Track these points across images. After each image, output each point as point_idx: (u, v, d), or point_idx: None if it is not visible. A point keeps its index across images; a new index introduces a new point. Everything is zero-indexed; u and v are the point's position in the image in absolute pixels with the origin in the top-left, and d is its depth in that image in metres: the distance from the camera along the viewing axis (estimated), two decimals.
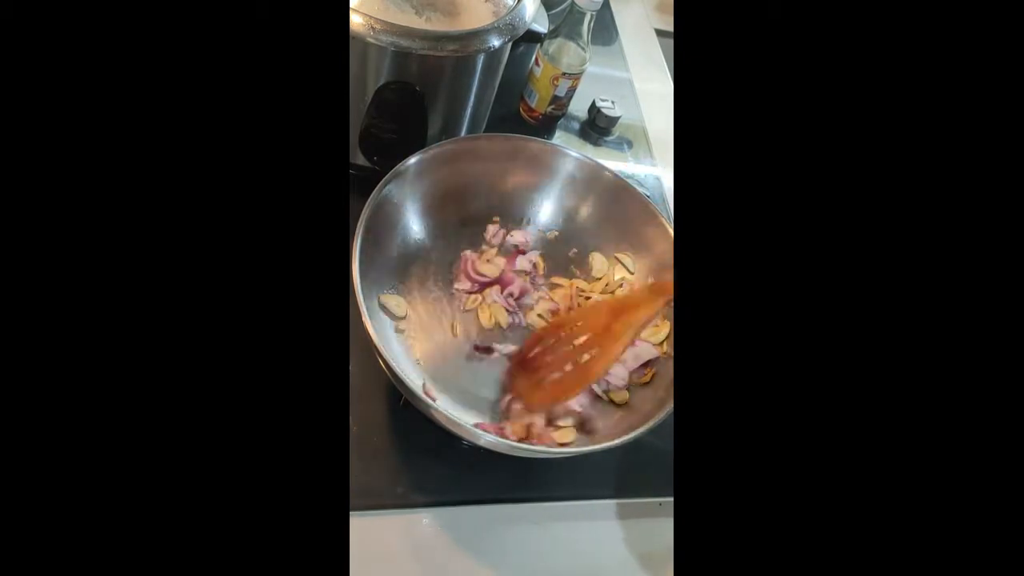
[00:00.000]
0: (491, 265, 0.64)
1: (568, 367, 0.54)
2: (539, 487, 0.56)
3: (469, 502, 0.54)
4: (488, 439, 0.47)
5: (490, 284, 0.63)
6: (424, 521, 0.52)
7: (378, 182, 0.55)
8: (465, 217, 0.65)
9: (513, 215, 0.67)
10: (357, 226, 0.51)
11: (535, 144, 0.64)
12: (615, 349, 0.53)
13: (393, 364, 0.46)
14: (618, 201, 0.64)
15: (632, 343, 0.54)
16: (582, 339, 0.54)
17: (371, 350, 0.49)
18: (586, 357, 0.54)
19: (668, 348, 0.59)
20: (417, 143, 0.59)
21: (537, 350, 0.56)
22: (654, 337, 0.61)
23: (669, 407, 0.50)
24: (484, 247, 0.66)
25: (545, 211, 0.67)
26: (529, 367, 0.56)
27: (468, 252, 0.64)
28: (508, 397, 0.56)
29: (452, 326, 0.61)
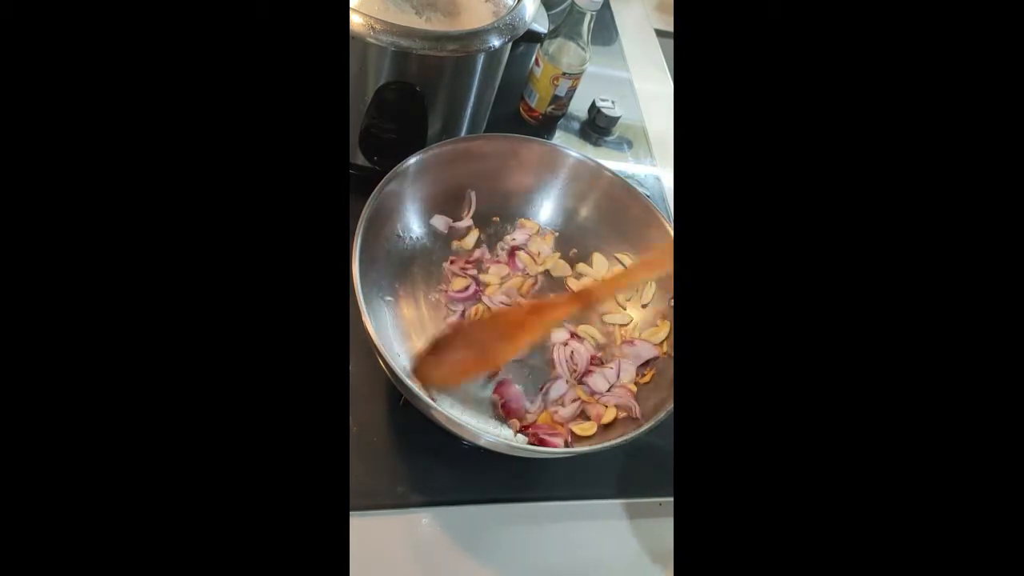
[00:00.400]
0: (461, 279, 0.62)
1: (473, 351, 0.55)
2: (539, 487, 0.56)
3: (469, 502, 0.54)
4: (488, 439, 0.47)
5: (473, 295, 0.62)
6: (424, 521, 0.52)
7: (378, 182, 0.55)
8: (464, 216, 0.65)
9: (513, 215, 0.67)
10: (357, 226, 0.51)
11: (535, 144, 0.64)
12: (521, 342, 0.55)
13: (393, 364, 0.46)
14: (618, 201, 0.64)
15: (537, 340, 0.57)
16: (497, 329, 0.56)
17: (371, 350, 0.49)
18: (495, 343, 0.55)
19: (668, 348, 0.59)
20: (417, 143, 0.59)
21: (452, 333, 0.57)
22: (654, 337, 0.61)
23: (669, 407, 0.50)
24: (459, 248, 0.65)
25: (545, 211, 0.67)
26: (439, 348, 0.55)
27: (446, 265, 0.63)
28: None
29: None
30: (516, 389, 0.57)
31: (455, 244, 0.64)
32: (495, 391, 0.57)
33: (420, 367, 0.53)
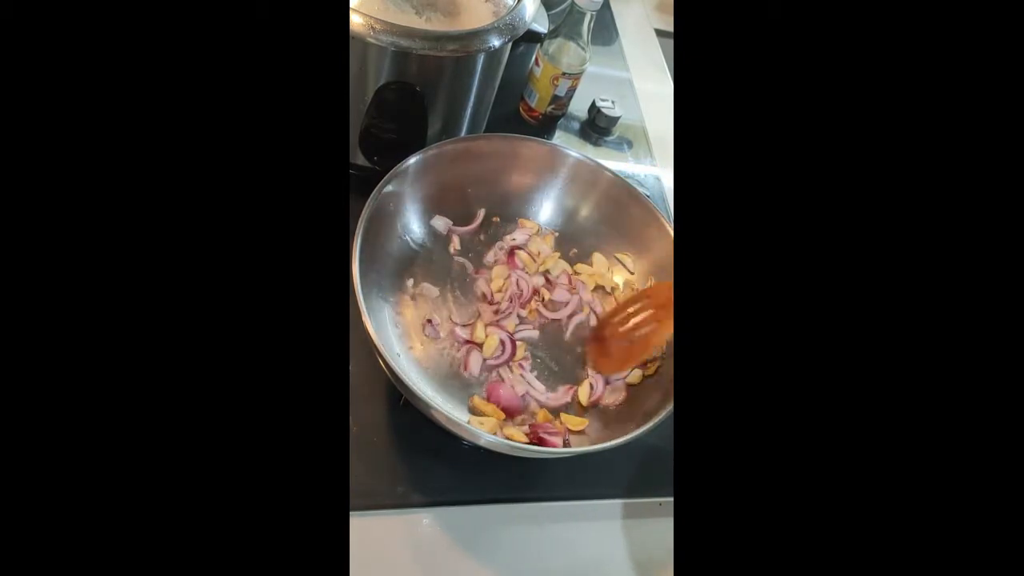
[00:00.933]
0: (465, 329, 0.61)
1: (630, 340, 0.59)
2: (539, 487, 0.56)
3: (469, 502, 0.54)
4: (488, 439, 0.47)
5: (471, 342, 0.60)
6: (424, 521, 0.52)
7: (378, 182, 0.55)
8: (465, 217, 0.65)
9: (513, 215, 0.67)
10: (357, 226, 0.51)
11: (535, 144, 0.65)
12: (670, 324, 0.57)
13: (393, 364, 0.46)
14: (618, 201, 0.64)
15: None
16: (643, 315, 0.59)
17: (371, 350, 0.49)
18: (645, 331, 0.58)
19: (668, 348, 0.59)
20: (417, 143, 0.59)
21: (613, 320, 0.61)
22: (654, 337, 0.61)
23: (669, 407, 0.50)
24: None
25: (545, 211, 0.67)
26: (604, 336, 0.61)
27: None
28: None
29: (451, 325, 0.61)
30: (507, 388, 0.57)
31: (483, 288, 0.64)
32: (488, 399, 0.56)
33: (594, 354, 0.60)
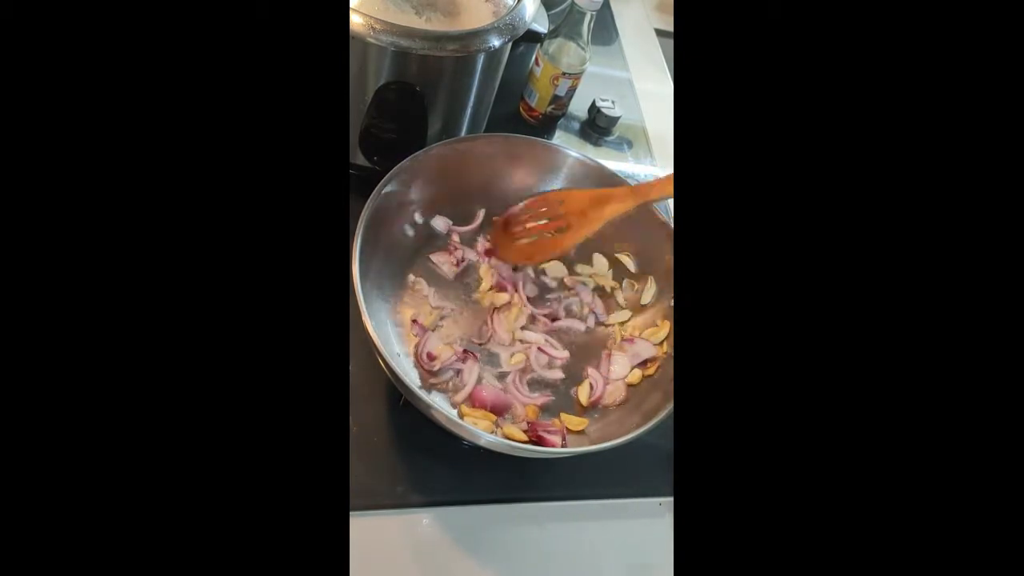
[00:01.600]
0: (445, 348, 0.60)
1: (541, 235, 0.62)
2: (539, 487, 0.56)
3: (469, 502, 0.54)
4: (488, 439, 0.47)
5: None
6: (424, 521, 0.52)
7: (378, 182, 0.55)
8: (465, 216, 0.65)
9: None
10: (357, 226, 0.51)
11: (536, 144, 0.65)
12: (583, 231, 0.60)
13: (393, 364, 0.46)
14: None
15: (596, 231, 0.60)
16: (559, 215, 0.61)
17: (371, 350, 0.49)
18: (558, 230, 0.61)
19: (668, 348, 0.59)
20: (417, 143, 0.59)
21: (521, 216, 0.62)
22: (654, 337, 0.61)
23: (669, 407, 0.50)
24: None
25: None
26: (510, 228, 0.63)
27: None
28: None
29: (453, 324, 0.61)
30: (492, 388, 0.57)
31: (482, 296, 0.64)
32: (473, 405, 0.56)
33: (497, 241, 0.63)
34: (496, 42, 0.58)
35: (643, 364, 0.60)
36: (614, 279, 0.66)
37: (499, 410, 0.56)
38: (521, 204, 0.63)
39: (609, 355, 0.60)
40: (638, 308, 0.64)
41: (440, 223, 0.64)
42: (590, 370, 0.60)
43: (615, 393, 0.59)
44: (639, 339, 0.61)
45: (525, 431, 0.54)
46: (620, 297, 0.65)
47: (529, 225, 0.62)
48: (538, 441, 0.54)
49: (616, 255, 0.66)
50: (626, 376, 0.59)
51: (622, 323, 0.63)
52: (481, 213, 0.66)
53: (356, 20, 0.53)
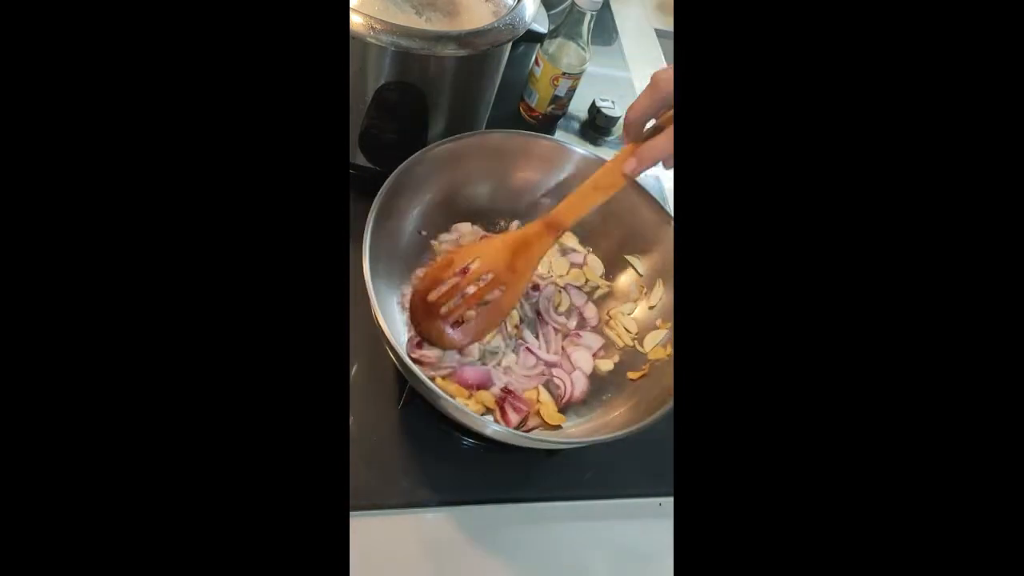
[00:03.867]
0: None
1: (475, 308, 0.56)
2: (540, 487, 0.56)
3: (470, 502, 0.54)
4: (493, 428, 0.47)
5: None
6: (424, 521, 0.52)
7: (378, 182, 0.55)
8: (471, 212, 0.65)
9: (519, 211, 0.67)
10: (366, 223, 0.51)
11: (541, 141, 0.65)
12: (520, 286, 0.55)
13: (404, 356, 0.46)
14: (624, 199, 0.64)
15: (529, 279, 0.56)
16: (485, 279, 0.55)
17: (372, 349, 0.49)
18: (495, 294, 0.56)
19: (668, 349, 0.59)
20: (417, 143, 0.59)
21: (440, 290, 0.56)
22: (654, 339, 0.61)
23: (669, 406, 0.50)
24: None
25: (551, 208, 0.68)
26: (434, 309, 0.56)
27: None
28: (415, 336, 0.56)
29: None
30: (476, 368, 0.57)
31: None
32: (459, 384, 0.56)
33: (421, 329, 0.55)
34: (496, 42, 0.58)
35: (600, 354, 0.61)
36: (620, 281, 0.66)
37: (483, 387, 0.57)
38: (423, 276, 0.58)
39: (567, 352, 0.61)
40: (645, 309, 0.64)
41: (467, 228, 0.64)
42: (554, 371, 0.60)
43: (580, 385, 0.59)
44: (585, 332, 0.62)
45: (497, 399, 0.55)
46: (622, 303, 0.65)
47: (455, 300, 0.55)
48: (502, 412, 0.54)
49: (625, 256, 0.66)
50: (590, 370, 0.60)
51: (622, 321, 0.64)
52: (514, 226, 0.67)
53: (356, 20, 0.53)
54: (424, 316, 0.56)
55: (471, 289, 0.56)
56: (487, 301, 0.56)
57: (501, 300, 0.55)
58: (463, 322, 0.56)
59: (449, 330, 0.56)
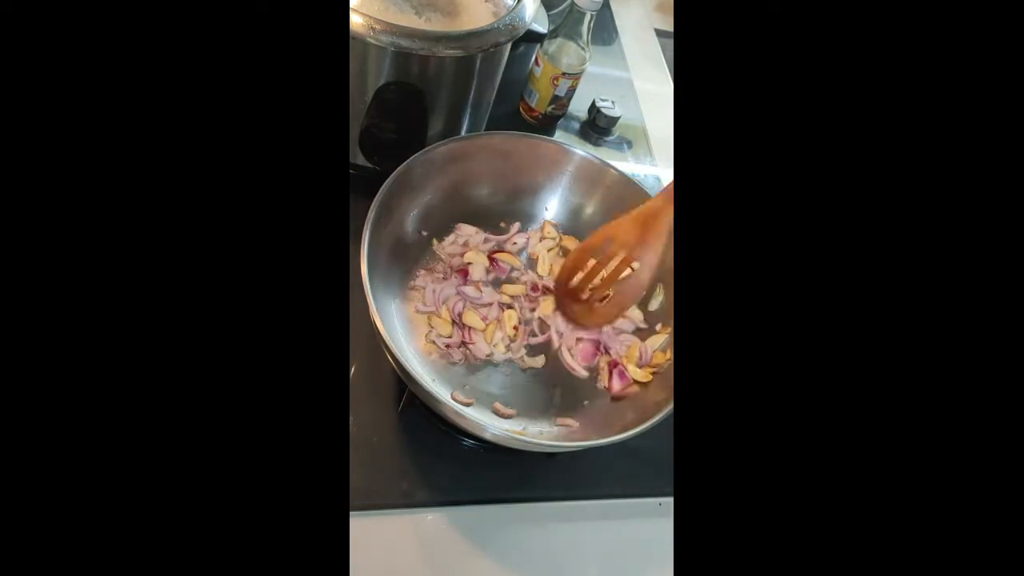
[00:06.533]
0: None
1: (615, 286, 0.58)
2: (540, 487, 0.56)
3: (469, 502, 0.54)
4: (493, 431, 0.47)
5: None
6: (424, 521, 0.52)
7: (378, 182, 0.55)
8: (471, 213, 0.65)
9: (519, 212, 0.67)
10: (365, 223, 0.51)
11: (542, 142, 0.65)
12: (654, 258, 0.56)
13: (401, 358, 0.46)
14: (623, 199, 0.64)
15: (661, 249, 0.57)
16: (620, 257, 0.57)
17: (371, 349, 0.49)
18: (628, 272, 0.58)
19: (669, 354, 0.59)
20: (417, 143, 0.59)
21: (579, 276, 0.60)
22: (655, 343, 0.61)
23: (669, 407, 0.50)
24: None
25: (551, 208, 0.68)
26: (576, 294, 0.60)
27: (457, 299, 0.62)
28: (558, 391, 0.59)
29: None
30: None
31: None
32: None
33: (569, 314, 0.60)
34: (496, 42, 0.58)
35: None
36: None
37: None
38: (569, 265, 0.60)
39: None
40: (647, 313, 0.64)
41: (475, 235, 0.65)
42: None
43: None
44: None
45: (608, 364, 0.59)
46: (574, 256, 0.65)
47: (596, 286, 0.59)
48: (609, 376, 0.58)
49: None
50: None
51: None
52: (516, 226, 0.67)
53: (356, 20, 0.53)
54: (570, 301, 0.60)
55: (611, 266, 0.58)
56: (625, 277, 0.58)
57: (637, 273, 0.57)
58: (606, 299, 0.59)
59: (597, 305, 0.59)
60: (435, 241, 0.63)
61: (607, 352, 0.61)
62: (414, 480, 0.53)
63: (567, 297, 0.61)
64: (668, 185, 0.57)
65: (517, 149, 0.64)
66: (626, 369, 0.59)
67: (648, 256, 0.56)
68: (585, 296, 0.60)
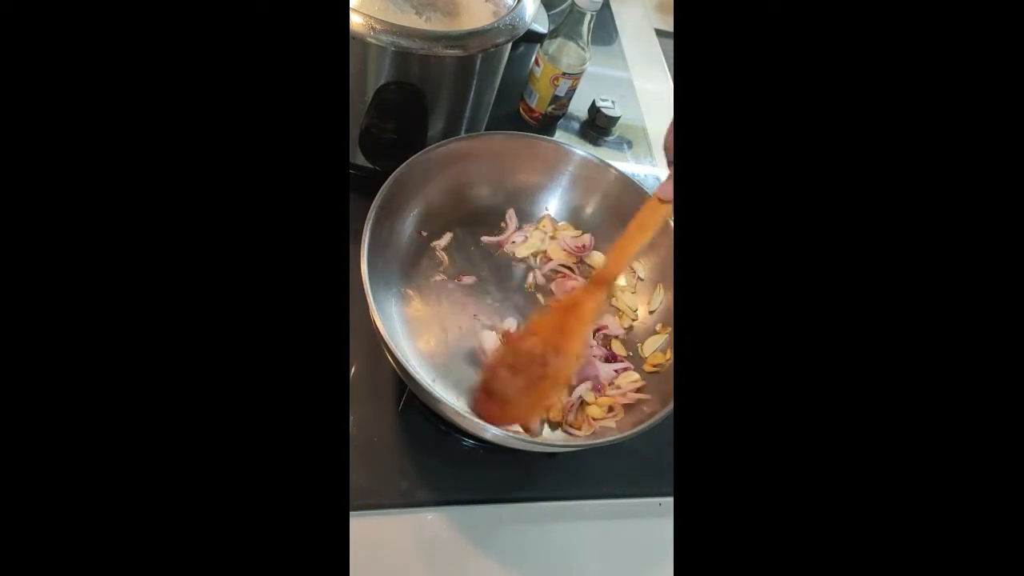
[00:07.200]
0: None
1: (535, 379, 0.52)
2: (540, 487, 0.56)
3: (469, 502, 0.54)
4: (493, 432, 0.47)
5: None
6: (424, 521, 0.52)
7: (378, 182, 0.55)
8: (471, 213, 0.65)
9: (519, 212, 0.67)
10: (365, 223, 0.51)
11: (542, 142, 0.65)
12: (574, 345, 0.52)
13: (401, 358, 0.46)
14: (624, 199, 0.64)
15: (587, 337, 0.54)
16: (538, 349, 0.53)
17: (372, 349, 0.49)
18: (551, 364, 0.53)
19: (668, 354, 0.59)
20: (417, 143, 0.59)
21: (500, 374, 0.54)
22: (654, 343, 0.61)
23: (669, 407, 0.50)
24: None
25: (551, 209, 0.68)
26: (495, 393, 0.53)
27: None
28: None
29: (459, 320, 0.61)
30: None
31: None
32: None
33: (483, 411, 0.51)
34: (496, 42, 0.58)
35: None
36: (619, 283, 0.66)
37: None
38: (486, 366, 0.55)
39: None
40: (645, 311, 0.64)
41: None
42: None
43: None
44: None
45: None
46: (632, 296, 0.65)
47: (516, 379, 0.52)
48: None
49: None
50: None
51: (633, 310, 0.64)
52: (512, 212, 0.67)
53: (356, 20, 0.53)
54: (486, 402, 0.53)
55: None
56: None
57: (558, 366, 0.52)
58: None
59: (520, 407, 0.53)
60: (434, 244, 0.63)
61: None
62: (414, 480, 0.53)
63: (488, 398, 0.53)
64: (597, 271, 0.53)
65: (517, 149, 0.64)
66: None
67: (568, 345, 0.52)
68: (506, 392, 0.53)
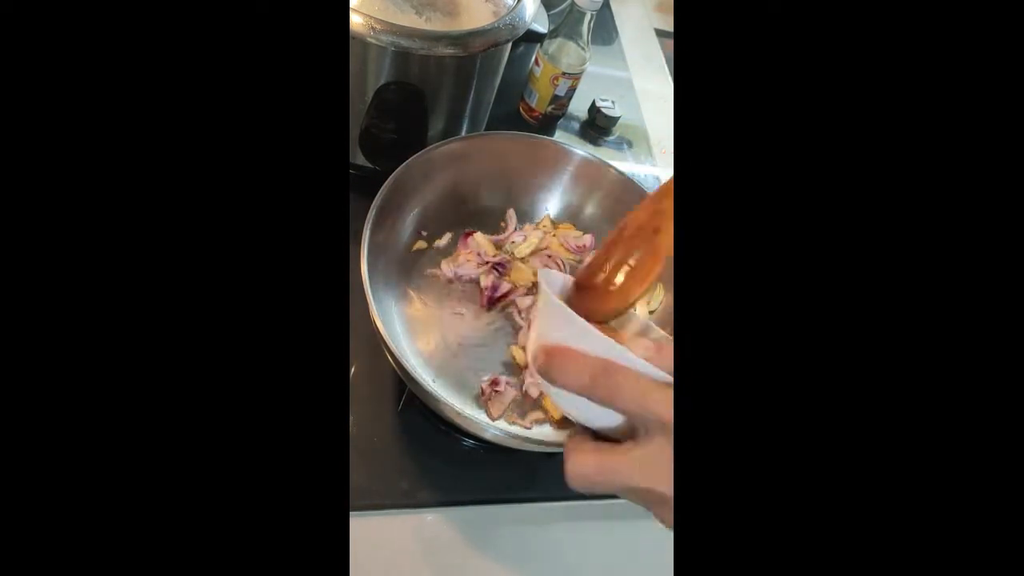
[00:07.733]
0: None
1: (631, 260, 0.46)
2: (540, 487, 0.56)
3: (470, 502, 0.54)
4: (493, 431, 0.47)
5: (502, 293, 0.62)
6: (425, 521, 0.52)
7: (378, 182, 0.55)
8: (471, 213, 0.66)
9: (519, 212, 0.67)
10: (365, 223, 0.51)
11: (542, 142, 0.65)
12: (669, 230, 0.45)
13: (401, 359, 0.46)
14: (623, 199, 0.65)
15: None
16: (643, 219, 0.47)
17: (372, 349, 0.49)
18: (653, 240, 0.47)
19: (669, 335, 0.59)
20: (417, 143, 0.59)
21: (604, 256, 0.48)
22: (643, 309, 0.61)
23: None
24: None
25: (551, 209, 0.68)
26: (592, 284, 0.47)
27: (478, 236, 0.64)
28: (490, 377, 0.57)
29: (458, 320, 0.61)
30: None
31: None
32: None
33: (586, 301, 0.46)
34: (496, 42, 0.58)
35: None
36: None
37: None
38: (592, 262, 0.50)
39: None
40: (645, 311, 0.64)
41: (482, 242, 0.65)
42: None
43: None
44: None
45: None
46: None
47: (611, 263, 0.47)
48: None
49: None
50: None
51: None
52: (512, 212, 0.67)
53: (356, 20, 0.53)
54: (582, 295, 0.48)
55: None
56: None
57: (658, 238, 0.45)
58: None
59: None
60: (436, 241, 0.64)
61: None
62: (414, 480, 0.53)
63: (585, 289, 0.49)
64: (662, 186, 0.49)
65: (517, 149, 0.64)
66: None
67: (668, 224, 0.45)
68: (603, 280, 0.48)
